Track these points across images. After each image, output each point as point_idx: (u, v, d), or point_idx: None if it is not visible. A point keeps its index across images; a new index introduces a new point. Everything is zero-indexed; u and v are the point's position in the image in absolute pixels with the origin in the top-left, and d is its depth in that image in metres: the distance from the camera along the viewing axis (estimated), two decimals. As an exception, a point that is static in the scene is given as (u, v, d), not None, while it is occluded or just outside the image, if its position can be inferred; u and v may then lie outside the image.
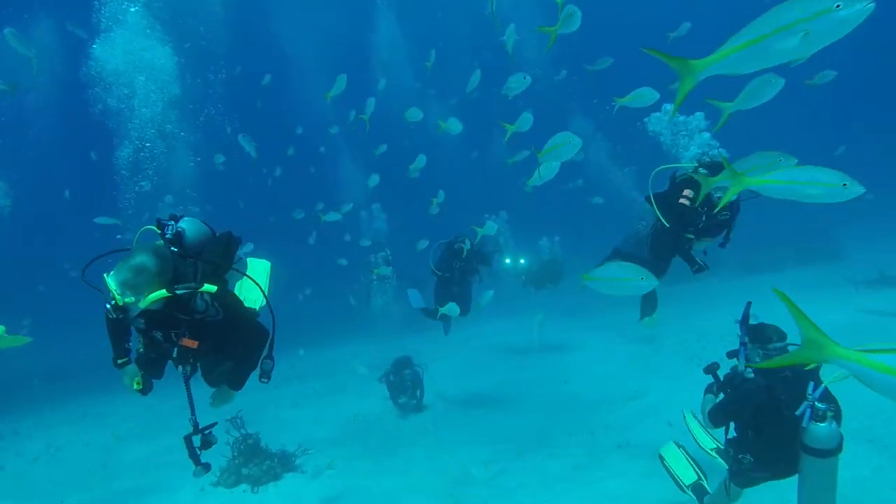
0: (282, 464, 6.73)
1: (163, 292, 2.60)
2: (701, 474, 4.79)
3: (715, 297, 12.97)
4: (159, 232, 2.96)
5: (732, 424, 3.80)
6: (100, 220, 10.68)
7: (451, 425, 7.75)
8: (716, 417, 3.73)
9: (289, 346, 14.79)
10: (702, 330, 10.76)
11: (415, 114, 8.47)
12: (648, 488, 5.46)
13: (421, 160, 9.39)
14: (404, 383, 8.25)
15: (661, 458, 5.11)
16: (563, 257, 12.07)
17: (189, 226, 3.03)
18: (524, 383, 9.36)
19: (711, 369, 4.12)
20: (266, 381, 3.35)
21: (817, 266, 15.16)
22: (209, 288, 2.74)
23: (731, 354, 4.09)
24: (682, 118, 5.46)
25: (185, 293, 2.69)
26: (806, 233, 17.25)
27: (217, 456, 6.83)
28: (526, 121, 5.98)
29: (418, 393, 8.31)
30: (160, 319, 2.81)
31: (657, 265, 5.67)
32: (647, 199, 5.12)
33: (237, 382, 3.32)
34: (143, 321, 2.82)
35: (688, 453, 5.08)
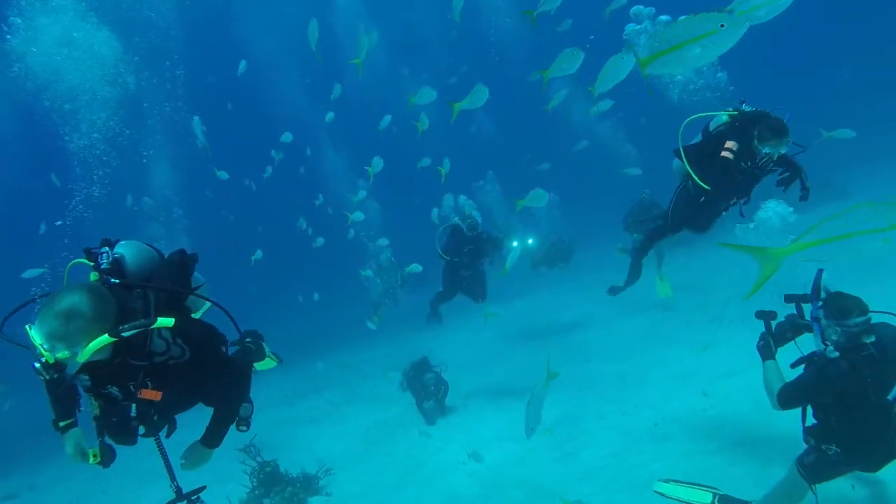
0: (304, 488, 6.41)
1: (105, 338, 2.07)
2: (712, 488, 4.39)
3: (724, 253, 12.57)
4: (91, 263, 2.42)
5: (810, 410, 3.35)
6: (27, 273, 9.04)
7: (478, 424, 7.40)
8: (788, 398, 3.27)
9: (298, 356, 14.57)
10: (719, 289, 10.41)
11: (427, 94, 7.60)
12: (693, 469, 5.12)
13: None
14: (427, 388, 7.82)
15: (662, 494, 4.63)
16: (570, 235, 11.91)
17: (129, 250, 2.51)
18: (545, 366, 8.99)
19: (766, 317, 3.66)
20: (245, 429, 2.85)
21: (827, 207, 14.77)
22: (164, 322, 2.19)
23: (759, 315, 3.72)
24: None
25: (135, 334, 2.15)
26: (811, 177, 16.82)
27: (237, 486, 6.53)
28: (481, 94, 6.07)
29: (441, 395, 7.89)
30: (110, 371, 2.27)
31: (674, 226, 5.25)
32: (676, 152, 4.64)
33: (214, 438, 2.69)
34: (87, 377, 2.28)
35: (681, 481, 4.66)
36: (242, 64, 14.15)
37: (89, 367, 2.21)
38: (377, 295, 11.10)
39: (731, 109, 4.54)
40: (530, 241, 10.76)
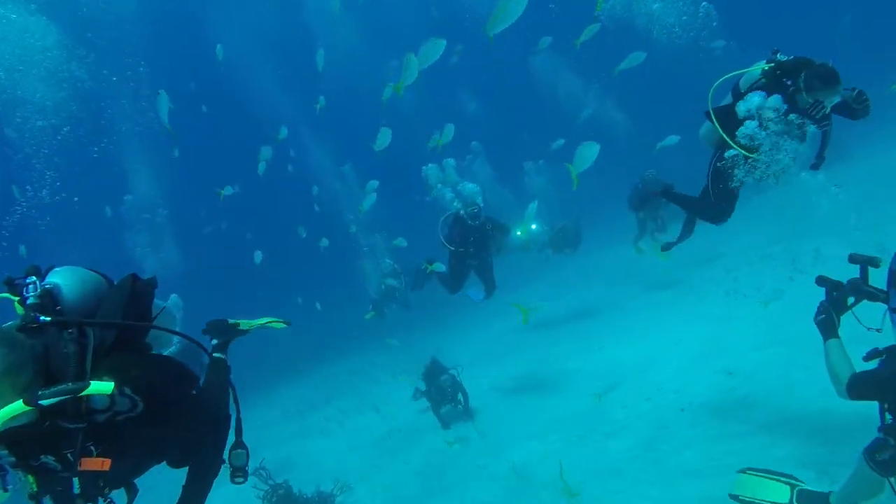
0: (321, 507, 6.15)
1: (18, 406, 1.59)
2: (791, 480, 3.91)
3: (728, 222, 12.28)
4: (16, 298, 1.91)
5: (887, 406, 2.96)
6: None
7: (496, 424, 7.12)
8: (862, 391, 2.90)
9: (306, 365, 14.30)
10: (726, 260, 10.13)
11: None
12: (727, 454, 4.84)
13: (385, 135, 8.60)
14: (444, 391, 7.43)
15: (737, 498, 4.05)
16: (579, 221, 11.64)
17: (65, 278, 1.98)
18: (560, 358, 8.74)
19: (830, 286, 3.19)
20: (242, 480, 2.33)
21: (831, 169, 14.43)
22: (100, 388, 1.68)
23: (822, 281, 3.32)
24: None
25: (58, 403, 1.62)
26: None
27: (250, 511, 6.26)
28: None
29: (460, 397, 7.46)
30: (40, 438, 1.75)
31: (717, 206, 4.80)
32: (707, 115, 4.23)
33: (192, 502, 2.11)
34: (6, 451, 1.76)
35: (762, 471, 4.13)
36: (219, 48, 13.12)
37: (9, 436, 1.70)
38: (378, 294, 10.78)
39: (763, 63, 4.11)
40: (533, 226, 10.40)
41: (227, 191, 11.80)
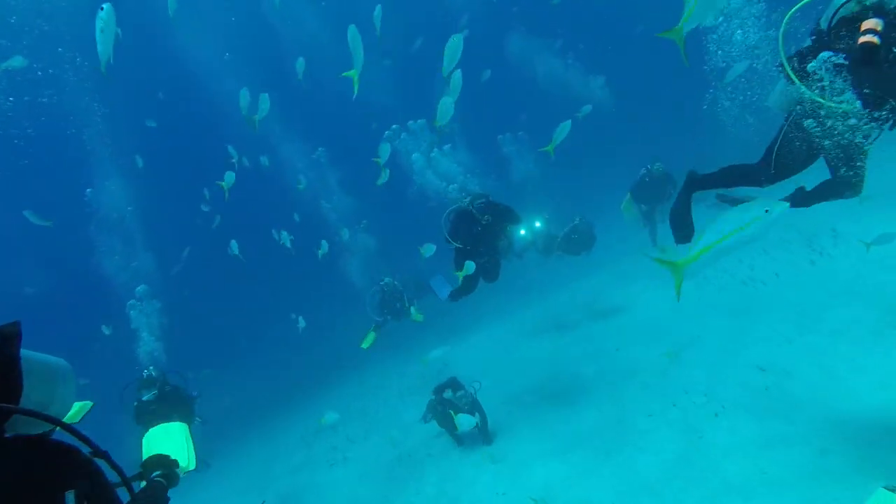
0: (332, 550, 5.64)
1: None
2: None
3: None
4: None
5: None
6: None
7: (513, 440, 6.61)
8: None
9: (312, 391, 13.77)
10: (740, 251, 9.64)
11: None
12: (775, 465, 4.35)
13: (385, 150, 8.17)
14: (461, 410, 6.73)
15: None
16: (586, 218, 11.20)
17: None
18: (574, 362, 8.22)
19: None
20: None
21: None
22: None
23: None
24: None
25: None
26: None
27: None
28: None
29: (477, 416, 6.76)
30: None
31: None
32: (779, 67, 3.35)
33: None
34: None
35: None
36: (172, 4, 11.28)
37: None
38: (381, 315, 10.28)
39: None
40: (538, 224, 9.79)
41: (230, 179, 10.59)
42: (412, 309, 9.73)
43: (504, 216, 7.23)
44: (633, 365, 7.30)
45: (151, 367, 7.14)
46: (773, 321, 6.69)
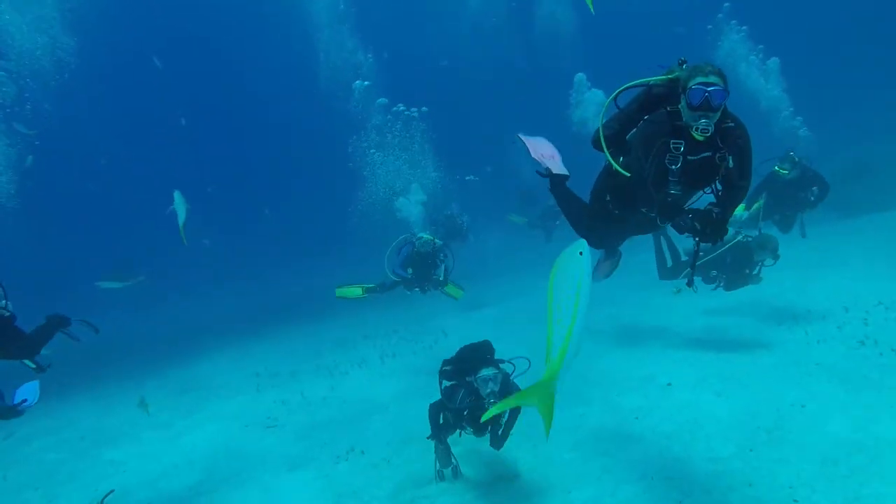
0: None
1: None
2: None
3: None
4: None
5: None
6: None
7: (534, 463, 5.57)
8: None
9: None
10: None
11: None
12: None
13: None
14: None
15: None
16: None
17: None
18: (605, 386, 7.10)
19: None
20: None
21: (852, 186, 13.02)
22: None
23: None
24: None
25: None
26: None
27: None
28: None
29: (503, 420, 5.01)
30: None
31: None
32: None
33: None
34: None
35: None
36: None
37: None
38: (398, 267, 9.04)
39: None
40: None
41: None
42: (449, 283, 8.74)
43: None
44: (646, 379, 6.37)
45: None
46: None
